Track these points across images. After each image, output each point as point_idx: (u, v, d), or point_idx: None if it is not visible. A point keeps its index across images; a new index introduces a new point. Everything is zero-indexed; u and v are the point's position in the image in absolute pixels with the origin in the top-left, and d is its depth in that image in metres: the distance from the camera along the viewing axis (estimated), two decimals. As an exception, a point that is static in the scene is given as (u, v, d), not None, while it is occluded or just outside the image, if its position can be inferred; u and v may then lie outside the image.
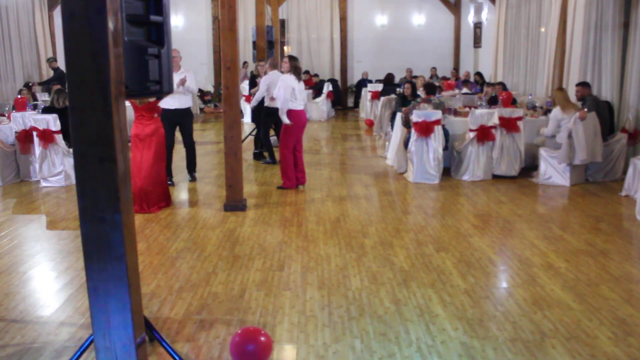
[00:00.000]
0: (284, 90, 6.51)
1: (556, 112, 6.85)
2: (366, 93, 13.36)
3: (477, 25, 14.66)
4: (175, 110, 6.86)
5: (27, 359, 3.04)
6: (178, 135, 7.16)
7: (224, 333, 3.29)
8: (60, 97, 7.33)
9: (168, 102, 6.63)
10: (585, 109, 6.74)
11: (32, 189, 7.04)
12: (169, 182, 6.88)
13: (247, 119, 12.52)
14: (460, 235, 5.04)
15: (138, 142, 5.85)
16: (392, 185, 7.12)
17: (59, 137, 7.04)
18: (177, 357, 2.86)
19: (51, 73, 11.81)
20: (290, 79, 6.60)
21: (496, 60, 12.47)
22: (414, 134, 7.06)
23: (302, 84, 6.82)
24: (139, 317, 2.45)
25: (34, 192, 6.86)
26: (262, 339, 2.94)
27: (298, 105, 6.65)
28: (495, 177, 7.26)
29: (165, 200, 6.08)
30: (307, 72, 15.74)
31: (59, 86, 8.15)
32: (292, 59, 6.81)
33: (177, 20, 15.78)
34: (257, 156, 8.81)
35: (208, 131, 12.63)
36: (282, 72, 6.84)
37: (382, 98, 11.20)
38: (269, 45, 9.88)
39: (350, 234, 5.11)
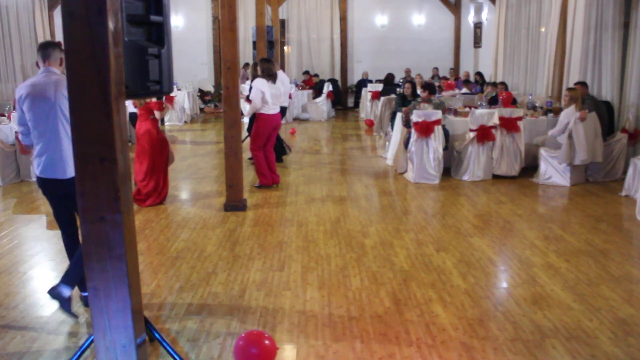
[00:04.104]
0: (254, 96, 6.53)
1: (568, 112, 6.75)
2: (366, 93, 13.36)
3: (477, 25, 14.66)
4: (132, 113, 7.03)
5: (27, 359, 3.04)
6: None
7: (224, 333, 3.29)
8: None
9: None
10: (586, 109, 6.73)
11: (32, 189, 7.04)
12: None
13: (246, 119, 12.53)
14: (460, 235, 5.04)
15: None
16: (392, 185, 7.12)
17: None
18: (177, 357, 2.86)
19: None
20: (260, 82, 6.59)
21: (496, 60, 12.47)
22: (414, 134, 7.05)
23: (277, 86, 6.77)
24: (139, 317, 2.45)
25: (34, 192, 6.86)
26: (267, 342, 2.93)
27: (270, 109, 6.64)
28: (496, 177, 7.26)
29: (155, 196, 6.16)
30: (307, 72, 15.76)
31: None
32: (263, 61, 6.79)
33: (177, 20, 15.78)
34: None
35: (208, 131, 12.63)
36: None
37: (382, 98, 11.19)
38: (269, 46, 9.87)
39: (350, 234, 5.11)
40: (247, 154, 8.60)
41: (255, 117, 6.80)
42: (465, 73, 13.95)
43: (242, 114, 7.30)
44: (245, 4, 15.60)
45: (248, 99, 7.52)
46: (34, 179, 7.32)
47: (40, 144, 3.35)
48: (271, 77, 6.68)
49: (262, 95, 6.52)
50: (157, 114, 6.00)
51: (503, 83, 9.92)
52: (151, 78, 2.64)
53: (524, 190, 6.72)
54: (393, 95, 10.66)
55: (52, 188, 3.41)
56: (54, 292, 3.42)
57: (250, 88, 8.59)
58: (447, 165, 7.50)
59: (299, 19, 16.42)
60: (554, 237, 4.97)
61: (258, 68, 6.81)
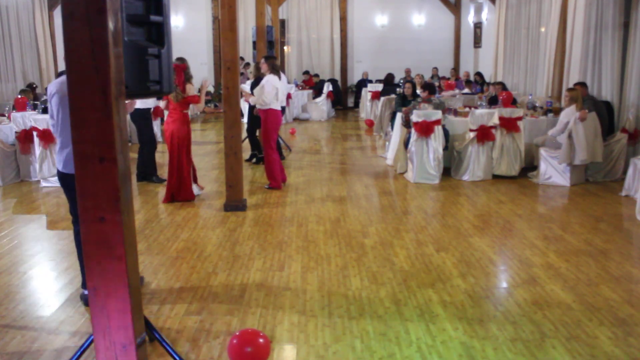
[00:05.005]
0: (268, 92, 6.53)
1: (568, 111, 6.73)
2: (366, 93, 13.36)
3: (477, 25, 14.66)
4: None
5: (27, 358, 3.04)
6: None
7: (224, 333, 3.29)
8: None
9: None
10: (586, 109, 6.73)
11: (32, 189, 7.04)
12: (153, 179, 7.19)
13: (246, 119, 12.53)
14: (460, 235, 5.04)
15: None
16: (392, 185, 7.12)
17: (59, 137, 7.04)
18: (177, 357, 2.86)
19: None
20: (273, 79, 6.60)
21: (496, 60, 12.47)
22: (414, 134, 7.06)
23: (283, 82, 6.80)
24: (139, 317, 2.45)
25: (34, 192, 6.86)
26: (261, 340, 2.93)
27: (276, 105, 6.67)
28: (495, 177, 7.26)
29: (180, 194, 6.25)
30: (307, 72, 15.76)
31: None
32: (269, 58, 6.81)
33: (177, 20, 15.78)
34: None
35: (208, 131, 12.63)
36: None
37: (382, 98, 11.20)
38: (269, 45, 9.87)
39: (350, 234, 5.11)
40: (246, 154, 8.61)
41: (256, 117, 6.81)
42: (465, 73, 13.95)
43: (242, 114, 7.29)
44: (245, 4, 15.61)
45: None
46: (34, 179, 7.35)
47: (62, 139, 3.48)
48: (278, 73, 6.72)
49: (275, 91, 6.54)
50: (196, 107, 5.95)
51: (501, 83, 9.92)
52: (151, 78, 2.65)
53: (524, 190, 6.72)
54: (393, 95, 10.66)
55: (71, 183, 3.46)
56: (86, 299, 3.58)
57: (252, 88, 8.59)
58: (447, 165, 7.50)
59: (299, 19, 16.42)
60: (554, 237, 4.97)
61: (262, 67, 6.82)
